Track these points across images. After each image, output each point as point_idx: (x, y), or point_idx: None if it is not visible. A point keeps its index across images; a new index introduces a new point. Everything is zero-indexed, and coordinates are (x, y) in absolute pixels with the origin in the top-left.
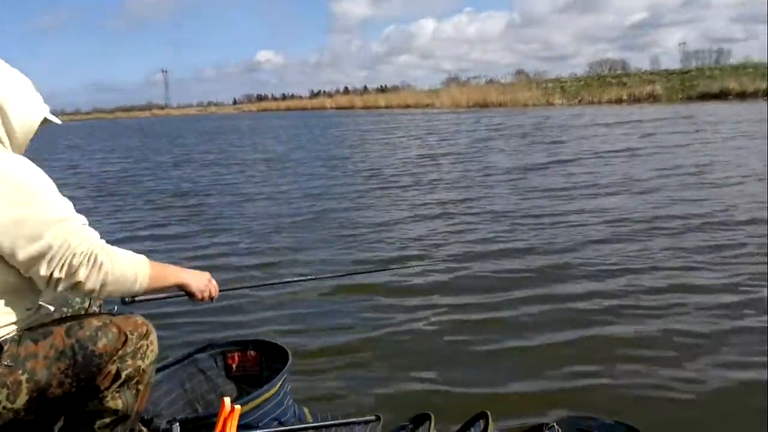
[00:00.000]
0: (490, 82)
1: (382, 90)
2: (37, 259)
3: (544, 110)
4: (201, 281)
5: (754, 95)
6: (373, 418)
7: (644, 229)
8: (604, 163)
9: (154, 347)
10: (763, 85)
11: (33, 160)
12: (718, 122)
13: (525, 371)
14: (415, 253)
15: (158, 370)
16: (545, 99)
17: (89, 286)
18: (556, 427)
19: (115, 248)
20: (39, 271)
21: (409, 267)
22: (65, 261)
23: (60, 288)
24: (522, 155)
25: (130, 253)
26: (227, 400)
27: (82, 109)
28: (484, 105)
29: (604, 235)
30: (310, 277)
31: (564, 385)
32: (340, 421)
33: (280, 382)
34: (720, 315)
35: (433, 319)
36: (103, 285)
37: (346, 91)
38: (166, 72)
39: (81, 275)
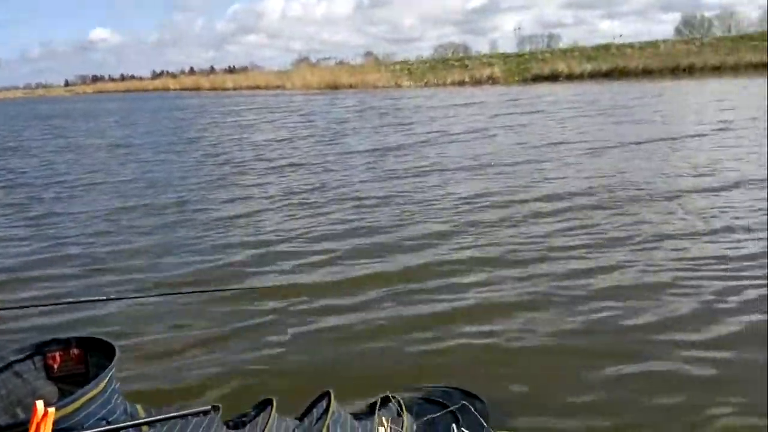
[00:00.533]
0: (341, 63)
1: (230, 71)
2: None
3: (394, 92)
4: None
5: (581, 77)
6: (209, 408)
7: (485, 206)
8: (460, 142)
9: None
10: (588, 67)
11: None
12: (555, 102)
13: (364, 350)
14: (262, 251)
15: None
16: (394, 81)
17: None
18: (397, 398)
19: None
20: None
21: (247, 289)
22: None
23: None
24: (381, 136)
25: None
26: (39, 403)
27: None
28: (335, 86)
29: (448, 215)
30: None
31: (403, 359)
32: (174, 414)
33: (105, 380)
34: (538, 285)
35: (273, 306)
36: None
37: (192, 71)
38: None
39: None
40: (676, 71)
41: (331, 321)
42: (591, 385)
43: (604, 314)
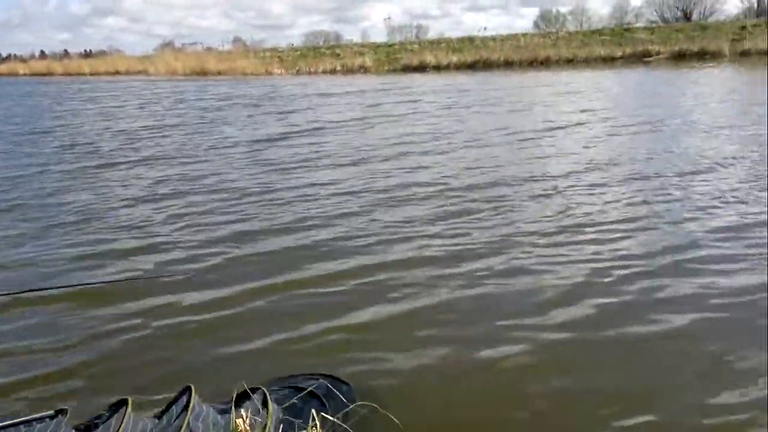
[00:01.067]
0: (208, 49)
1: (87, 55)
2: None
3: (266, 79)
4: None
5: (447, 67)
6: (53, 413)
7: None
8: (339, 133)
9: None
10: (454, 59)
11: None
12: (429, 92)
13: (226, 342)
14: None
15: None
16: (264, 68)
17: None
18: (262, 389)
19: None
20: None
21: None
22: None
23: None
24: (258, 126)
25: None
26: None
27: None
28: (202, 73)
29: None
30: None
31: (267, 351)
32: (15, 420)
33: None
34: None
35: (130, 304)
36: None
37: (43, 55)
38: None
39: None
40: (535, 63)
41: (194, 317)
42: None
43: (465, 304)
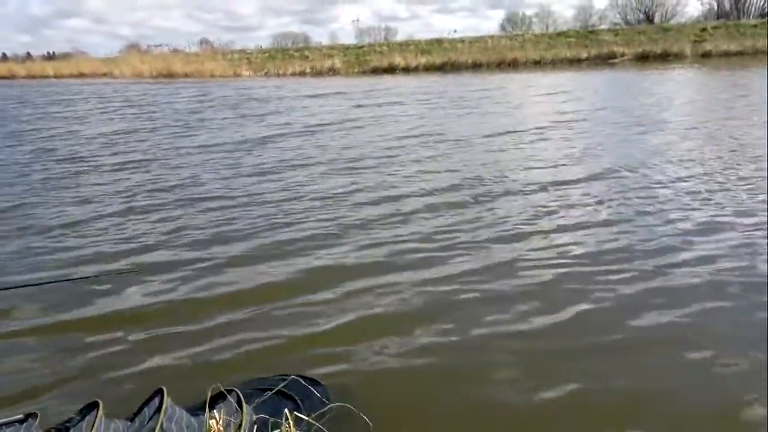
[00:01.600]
0: (175, 51)
1: (50, 57)
2: None
3: (236, 81)
4: None
5: (416, 69)
6: (23, 417)
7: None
8: (322, 137)
9: None
10: (423, 60)
11: None
12: (408, 93)
13: (199, 344)
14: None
15: None
16: (233, 70)
17: None
18: (236, 390)
19: None
20: None
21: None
22: None
23: None
24: (240, 128)
25: None
26: None
27: None
28: (169, 75)
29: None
30: None
31: (241, 353)
32: None
33: None
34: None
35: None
36: None
37: (5, 57)
38: None
39: None
40: (502, 65)
41: (166, 321)
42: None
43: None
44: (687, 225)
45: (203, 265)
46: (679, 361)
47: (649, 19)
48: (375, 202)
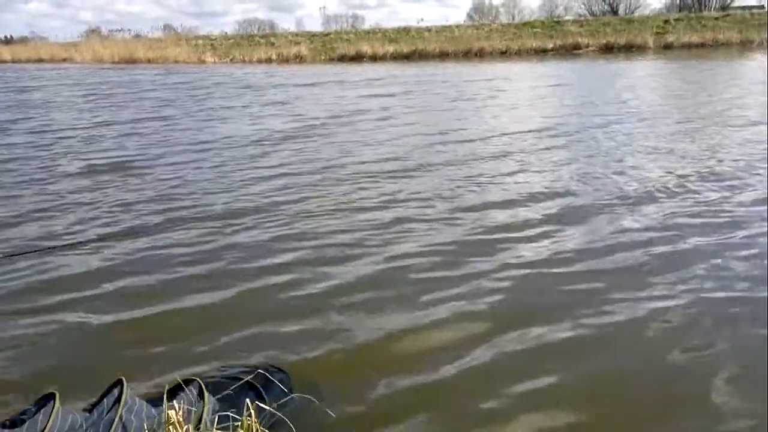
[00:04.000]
0: (137, 36)
1: (8, 41)
2: None
3: (203, 68)
4: None
5: (384, 58)
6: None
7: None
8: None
9: None
10: (391, 49)
11: None
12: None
13: (159, 336)
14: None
15: None
16: (197, 56)
17: None
18: (197, 380)
19: None
20: None
21: None
22: None
23: None
24: (253, 120)
25: None
26: None
27: None
28: (131, 61)
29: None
30: None
31: (200, 342)
32: None
33: None
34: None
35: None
36: None
37: None
38: None
39: None
40: (469, 54)
41: (124, 309)
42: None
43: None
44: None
45: (165, 247)
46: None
47: (614, 11)
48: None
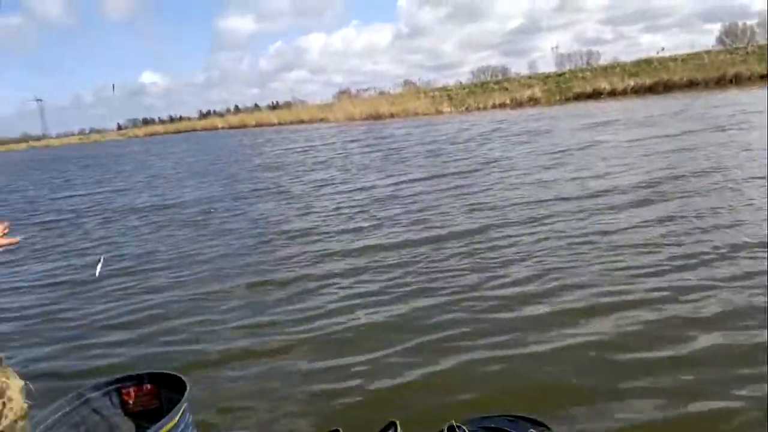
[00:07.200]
0: (381, 93)
1: (274, 107)
2: None
3: (458, 118)
4: None
5: (624, 93)
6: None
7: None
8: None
9: (16, 403)
10: (631, 83)
11: None
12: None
13: (426, 378)
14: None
15: (49, 415)
16: (435, 107)
17: None
18: (463, 428)
19: None
20: None
21: None
22: None
23: None
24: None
25: None
26: None
27: None
28: (377, 116)
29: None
30: None
31: (466, 388)
32: None
33: (178, 415)
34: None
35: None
36: None
37: (237, 109)
38: (40, 101)
39: None
40: (722, 82)
41: (386, 351)
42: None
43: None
44: None
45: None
46: None
47: None
48: None
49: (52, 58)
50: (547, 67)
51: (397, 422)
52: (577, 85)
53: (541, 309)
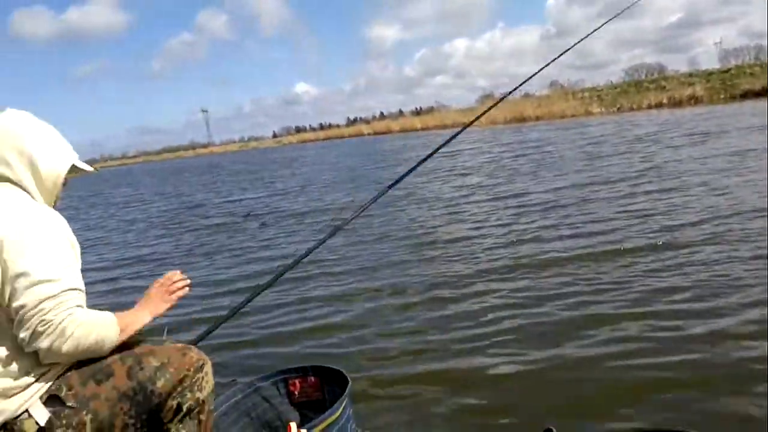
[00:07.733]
0: (526, 96)
1: (418, 112)
2: (14, 315)
3: (610, 119)
4: (159, 304)
5: None
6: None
7: None
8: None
9: (210, 378)
10: None
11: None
12: None
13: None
14: None
15: (224, 401)
16: (583, 109)
17: (52, 356)
18: None
19: (88, 316)
20: (14, 328)
21: None
22: (32, 326)
23: (28, 350)
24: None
25: (101, 316)
26: (293, 425)
27: (129, 153)
28: (521, 120)
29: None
30: None
31: (619, 391)
32: None
33: (341, 408)
34: None
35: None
36: (69, 354)
37: (382, 116)
38: (206, 111)
39: (43, 344)
40: None
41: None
42: None
43: None
44: None
45: None
46: None
47: None
48: None
49: (218, 72)
50: (710, 63)
51: (554, 429)
52: (745, 81)
53: None
